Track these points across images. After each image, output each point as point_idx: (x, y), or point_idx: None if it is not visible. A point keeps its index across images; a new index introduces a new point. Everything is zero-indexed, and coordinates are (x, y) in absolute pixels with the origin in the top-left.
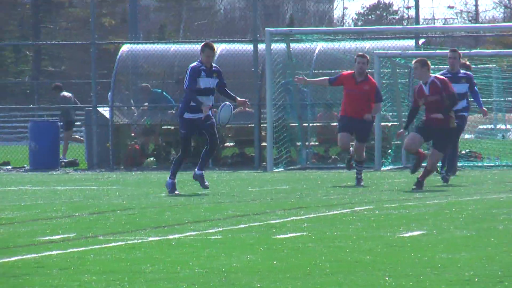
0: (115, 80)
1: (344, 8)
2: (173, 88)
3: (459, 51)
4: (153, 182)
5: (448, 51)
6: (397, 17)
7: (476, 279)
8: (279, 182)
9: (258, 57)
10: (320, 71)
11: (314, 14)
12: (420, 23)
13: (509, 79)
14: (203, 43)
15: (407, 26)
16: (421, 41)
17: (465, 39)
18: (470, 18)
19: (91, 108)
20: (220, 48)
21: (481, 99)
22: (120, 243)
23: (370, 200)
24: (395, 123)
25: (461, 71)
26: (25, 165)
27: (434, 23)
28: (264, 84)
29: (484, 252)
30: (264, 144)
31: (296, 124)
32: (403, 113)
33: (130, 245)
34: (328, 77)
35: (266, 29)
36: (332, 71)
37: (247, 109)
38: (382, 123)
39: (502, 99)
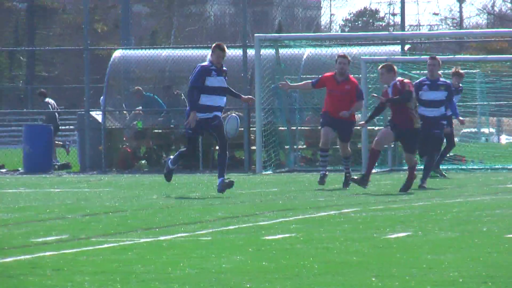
0: (108, 85)
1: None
2: (163, 93)
3: (439, 58)
4: (145, 184)
5: (436, 55)
6: (383, 23)
7: (461, 280)
8: (268, 185)
9: (247, 62)
10: (308, 76)
11: (302, 21)
12: (406, 29)
13: (493, 83)
14: (214, 44)
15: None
16: (406, 47)
17: (450, 44)
18: (454, 25)
19: (84, 112)
20: (210, 53)
21: (457, 109)
22: (112, 244)
23: (357, 202)
24: (381, 127)
25: (441, 79)
26: (19, 168)
27: (420, 29)
28: (253, 89)
29: (468, 253)
30: (253, 147)
31: (284, 128)
32: (389, 117)
33: (122, 246)
34: (310, 81)
35: (255, 35)
36: (320, 76)
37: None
38: (369, 127)
39: (486, 103)
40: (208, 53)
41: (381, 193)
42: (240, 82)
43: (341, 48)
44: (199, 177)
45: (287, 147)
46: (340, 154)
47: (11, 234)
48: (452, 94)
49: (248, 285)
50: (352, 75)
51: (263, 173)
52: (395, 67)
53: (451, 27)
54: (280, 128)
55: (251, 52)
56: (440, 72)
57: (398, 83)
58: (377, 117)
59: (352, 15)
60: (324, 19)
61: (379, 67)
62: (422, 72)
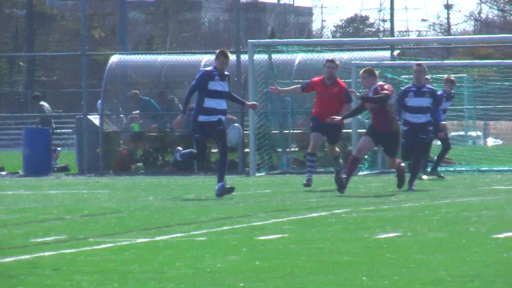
0: (105, 89)
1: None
2: (158, 99)
3: (427, 63)
4: (141, 186)
5: (423, 61)
6: (373, 29)
7: (449, 279)
8: (261, 186)
9: (241, 67)
10: (300, 80)
11: (294, 27)
12: (395, 35)
13: (480, 88)
14: (218, 51)
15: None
16: (396, 52)
17: (438, 50)
18: (442, 31)
19: (82, 116)
20: (204, 59)
21: (441, 116)
22: (110, 244)
23: (348, 204)
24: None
25: (427, 86)
26: (19, 171)
27: (408, 35)
28: (247, 93)
29: (456, 253)
30: (247, 150)
31: (277, 131)
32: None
33: (119, 247)
34: (299, 85)
35: (249, 40)
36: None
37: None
38: (359, 130)
39: (473, 107)
40: (202, 58)
41: (372, 195)
42: (234, 86)
43: (332, 54)
44: (194, 179)
45: (279, 150)
46: (329, 155)
47: (11, 234)
48: (438, 101)
49: (242, 284)
50: (342, 80)
51: (257, 175)
52: (376, 72)
53: (439, 33)
54: (273, 131)
55: (244, 57)
56: (428, 77)
57: (378, 87)
58: (353, 116)
59: (343, 21)
60: (315, 25)
61: (361, 71)
62: (411, 76)
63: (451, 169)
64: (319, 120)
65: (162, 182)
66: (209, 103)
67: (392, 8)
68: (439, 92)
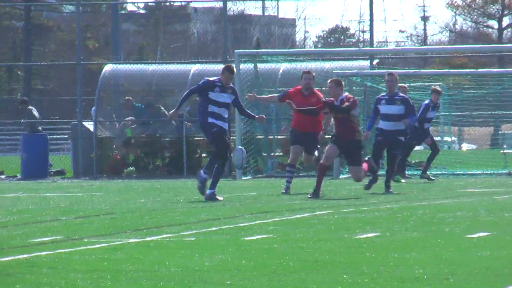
0: (99, 97)
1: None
2: (146, 107)
3: (405, 71)
4: (133, 189)
5: (401, 70)
6: (353, 40)
7: (425, 276)
8: (247, 189)
9: None
10: (284, 88)
11: (278, 37)
12: (374, 45)
13: (454, 95)
14: (225, 66)
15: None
16: (375, 61)
17: (415, 59)
18: (419, 41)
19: (77, 122)
20: (193, 68)
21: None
22: (103, 244)
23: (329, 205)
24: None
25: (399, 94)
26: (18, 174)
27: (387, 46)
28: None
29: (432, 252)
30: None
31: (262, 137)
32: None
33: (112, 246)
34: (277, 94)
35: (235, 51)
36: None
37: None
38: None
39: (448, 113)
40: (191, 67)
41: (352, 197)
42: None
43: (315, 63)
44: (183, 182)
45: (264, 154)
46: (304, 163)
47: (10, 235)
48: (411, 108)
49: (228, 282)
50: (324, 88)
51: (243, 178)
52: (343, 82)
53: (416, 44)
54: (258, 136)
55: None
56: (406, 85)
57: (345, 98)
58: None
59: (324, 32)
60: (299, 36)
61: (329, 81)
62: None
63: (427, 172)
64: (298, 131)
65: (153, 185)
66: (213, 108)
67: (371, 20)
68: (426, 102)
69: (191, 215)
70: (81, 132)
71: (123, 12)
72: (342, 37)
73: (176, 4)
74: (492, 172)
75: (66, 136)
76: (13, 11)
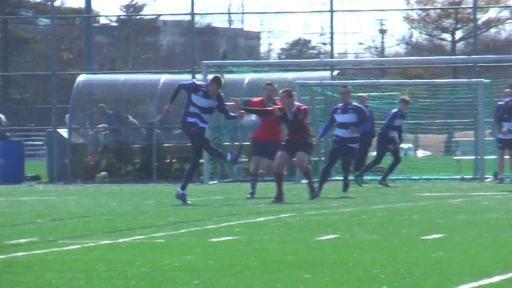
0: (73, 105)
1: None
2: (115, 117)
3: (364, 81)
4: (106, 193)
5: (359, 80)
6: (315, 51)
7: (382, 276)
8: (214, 193)
9: None
10: (249, 98)
11: (244, 49)
12: (335, 57)
13: (411, 104)
14: (214, 77)
15: (324, 60)
16: (335, 72)
17: (373, 70)
18: (377, 53)
19: (51, 130)
20: (163, 78)
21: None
22: (77, 245)
23: (292, 209)
24: (314, 143)
25: (352, 104)
26: None
27: (347, 57)
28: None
29: (389, 253)
30: (201, 160)
31: (228, 143)
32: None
33: (86, 248)
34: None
35: (203, 62)
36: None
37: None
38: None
39: (404, 121)
40: (161, 77)
41: (314, 201)
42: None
43: (278, 74)
44: (153, 186)
45: None
46: (265, 170)
47: None
48: (363, 116)
49: (196, 282)
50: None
51: (210, 183)
52: (293, 93)
53: (374, 55)
54: (225, 143)
55: (199, 77)
56: (364, 94)
57: (296, 109)
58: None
59: (288, 44)
60: (263, 48)
61: (281, 91)
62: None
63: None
64: (258, 141)
65: (125, 189)
66: (193, 109)
67: (332, 33)
68: (394, 110)
69: (161, 217)
70: (55, 139)
71: (96, 25)
72: (304, 49)
73: (146, 17)
74: (446, 177)
75: (41, 142)
76: None
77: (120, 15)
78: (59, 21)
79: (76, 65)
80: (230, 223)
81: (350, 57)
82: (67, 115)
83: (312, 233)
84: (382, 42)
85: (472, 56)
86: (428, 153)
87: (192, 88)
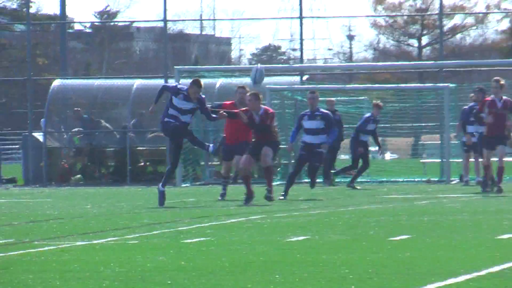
0: (48, 109)
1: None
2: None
3: (331, 86)
4: (80, 195)
5: (328, 85)
6: (285, 57)
7: (351, 276)
8: (187, 195)
9: None
10: (221, 102)
11: (215, 55)
12: (304, 62)
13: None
14: (193, 79)
15: (293, 65)
16: (305, 77)
17: (342, 75)
18: (345, 58)
19: (27, 133)
20: (136, 83)
21: (333, 138)
22: (52, 247)
23: (263, 210)
24: (284, 146)
25: (320, 110)
26: None
27: (316, 62)
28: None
29: (358, 254)
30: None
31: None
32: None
33: (61, 249)
34: (211, 107)
35: (175, 67)
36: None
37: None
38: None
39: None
40: (134, 82)
41: (283, 203)
42: (162, 107)
43: (249, 79)
44: (127, 189)
45: (202, 163)
46: (236, 169)
47: None
48: (331, 123)
49: (169, 282)
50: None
51: (182, 185)
52: (261, 96)
53: (343, 61)
54: (196, 146)
55: (171, 81)
56: (333, 99)
57: (263, 112)
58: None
59: (258, 50)
60: (234, 54)
61: (248, 94)
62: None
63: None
64: (228, 146)
65: (99, 192)
66: (172, 111)
67: (301, 39)
68: (367, 115)
69: (134, 219)
70: (31, 143)
71: (70, 31)
72: (274, 54)
73: (120, 24)
74: (413, 179)
75: (17, 146)
76: None
77: (94, 22)
78: (35, 27)
79: (51, 70)
80: (202, 225)
81: (319, 63)
82: (42, 119)
83: (282, 234)
84: (350, 48)
85: (438, 62)
86: (396, 156)
87: (174, 91)
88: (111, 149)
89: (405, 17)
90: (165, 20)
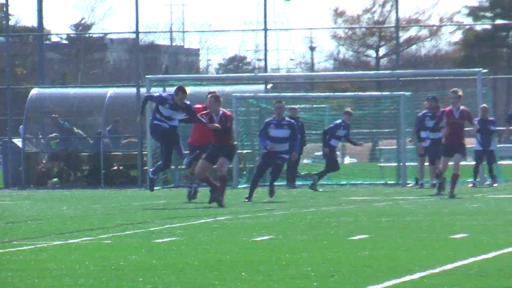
0: (26, 117)
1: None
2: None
3: (294, 94)
4: (57, 198)
5: (291, 94)
6: (250, 67)
7: (313, 274)
8: (158, 198)
9: (140, 98)
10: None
11: (184, 65)
12: (268, 71)
13: (338, 116)
14: (178, 87)
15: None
16: (269, 86)
17: (304, 84)
18: (307, 68)
19: (7, 139)
20: (110, 91)
21: (297, 146)
22: (30, 246)
23: (229, 212)
24: (249, 150)
25: (286, 119)
26: None
27: (279, 72)
28: (144, 120)
29: (319, 252)
30: (145, 167)
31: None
32: (255, 143)
33: (38, 248)
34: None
35: (146, 76)
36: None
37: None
38: (239, 151)
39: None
40: (108, 91)
41: (248, 204)
42: (135, 115)
43: (217, 87)
44: (101, 191)
45: (173, 167)
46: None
47: None
48: (295, 132)
49: (141, 279)
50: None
51: (154, 188)
52: (221, 98)
53: (305, 70)
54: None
55: (143, 90)
56: (296, 106)
57: (222, 114)
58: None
59: (225, 60)
60: (202, 64)
61: (208, 96)
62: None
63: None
64: (196, 147)
65: (74, 194)
66: (160, 117)
67: (266, 49)
68: (338, 121)
69: (108, 220)
70: (10, 148)
71: (47, 42)
72: (240, 64)
73: (94, 35)
74: (371, 182)
75: None
76: None
77: (70, 34)
78: (14, 39)
79: (29, 80)
80: (172, 225)
81: (283, 72)
82: (21, 126)
83: (248, 234)
84: (312, 58)
85: (394, 71)
86: (354, 160)
87: (160, 100)
88: (86, 154)
89: (364, 29)
90: (137, 32)
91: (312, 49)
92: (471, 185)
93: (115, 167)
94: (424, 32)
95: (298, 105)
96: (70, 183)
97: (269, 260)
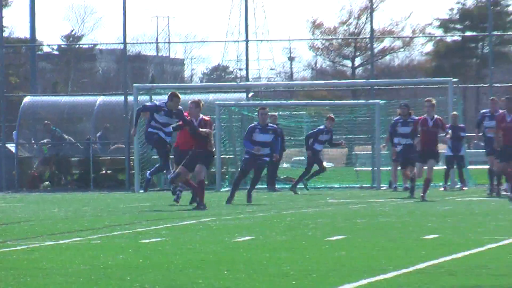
0: (19, 123)
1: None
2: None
3: (274, 102)
4: (48, 200)
5: (271, 101)
6: (232, 76)
7: (292, 273)
8: (144, 201)
9: (128, 106)
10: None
11: (170, 74)
12: (250, 80)
13: (316, 122)
14: (171, 93)
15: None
16: (250, 94)
17: (283, 92)
18: (286, 77)
19: (1, 145)
20: (99, 99)
21: (278, 149)
22: (23, 246)
23: (212, 213)
24: (231, 156)
25: (270, 125)
26: None
27: (260, 81)
28: (132, 127)
29: (298, 252)
30: (132, 171)
31: (156, 157)
32: (237, 148)
33: (31, 248)
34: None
35: (134, 85)
36: None
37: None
38: (222, 156)
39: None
40: (97, 99)
41: (230, 207)
42: (123, 122)
43: (200, 95)
44: (90, 194)
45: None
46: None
47: None
48: (278, 136)
49: (128, 278)
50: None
51: (140, 191)
52: (201, 104)
53: (284, 79)
54: (153, 156)
55: (130, 98)
56: (276, 113)
57: (202, 119)
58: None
59: (208, 69)
60: (187, 73)
61: (190, 102)
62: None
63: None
64: (181, 151)
65: (65, 197)
66: (155, 124)
67: (247, 59)
68: (321, 127)
69: (97, 222)
70: (4, 153)
71: (40, 53)
72: (223, 73)
73: (84, 46)
74: (347, 186)
75: None
76: None
77: (61, 44)
78: (8, 50)
79: (22, 88)
80: (158, 227)
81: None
82: (14, 132)
83: (230, 235)
84: (291, 68)
85: (369, 80)
86: (332, 164)
87: (154, 108)
88: (76, 158)
89: (340, 40)
90: (124, 43)
91: (291, 59)
92: (442, 188)
93: (104, 171)
94: (398, 43)
95: (277, 113)
96: (61, 186)
97: (250, 260)
